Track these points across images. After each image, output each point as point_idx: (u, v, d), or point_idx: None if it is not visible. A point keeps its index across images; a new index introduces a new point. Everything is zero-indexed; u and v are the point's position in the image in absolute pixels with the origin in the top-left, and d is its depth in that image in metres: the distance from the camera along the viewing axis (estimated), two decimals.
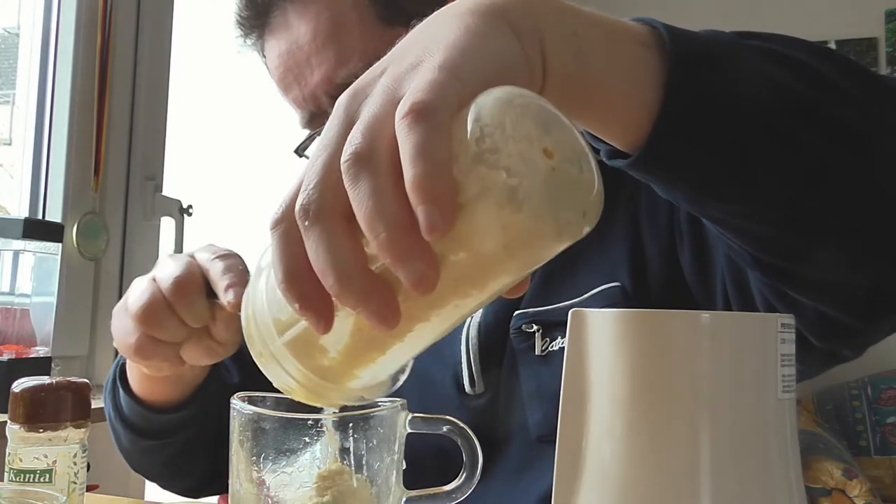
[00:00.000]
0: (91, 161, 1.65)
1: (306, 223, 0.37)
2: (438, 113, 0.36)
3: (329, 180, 0.37)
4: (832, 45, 3.06)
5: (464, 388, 0.84)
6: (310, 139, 0.89)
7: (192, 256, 0.71)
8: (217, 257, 0.68)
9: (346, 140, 0.38)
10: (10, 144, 1.80)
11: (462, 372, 0.84)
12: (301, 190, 0.38)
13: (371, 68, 0.43)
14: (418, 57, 0.40)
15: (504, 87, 0.38)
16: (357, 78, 0.72)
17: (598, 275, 0.82)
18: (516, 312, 0.84)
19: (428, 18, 0.45)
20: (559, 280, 0.85)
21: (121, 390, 0.84)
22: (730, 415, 0.44)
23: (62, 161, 1.62)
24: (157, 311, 0.67)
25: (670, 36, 0.48)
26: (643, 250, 0.82)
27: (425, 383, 0.89)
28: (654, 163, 0.49)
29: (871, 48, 3.03)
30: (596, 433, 0.47)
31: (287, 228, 0.38)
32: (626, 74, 0.47)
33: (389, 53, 0.44)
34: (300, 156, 0.93)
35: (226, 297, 0.64)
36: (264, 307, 0.42)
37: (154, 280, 0.69)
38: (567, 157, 0.37)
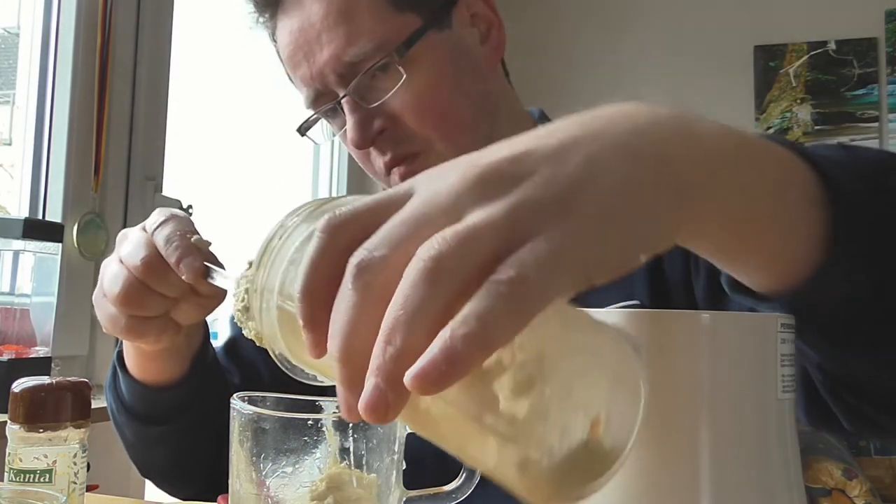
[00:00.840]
0: (91, 161, 1.65)
1: (354, 274, 0.33)
2: (533, 309, 0.31)
3: (398, 252, 0.33)
4: (832, 45, 3.06)
5: None
6: (313, 119, 0.90)
7: (144, 229, 0.71)
8: (158, 226, 0.69)
9: (447, 222, 0.33)
10: (10, 144, 1.80)
11: None
12: (375, 235, 0.34)
13: (521, 147, 0.37)
14: (574, 194, 0.34)
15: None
16: (364, 58, 0.77)
17: (616, 291, 0.84)
18: None
19: (601, 117, 0.41)
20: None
21: (121, 376, 0.84)
22: (730, 415, 0.44)
23: (62, 161, 1.62)
24: (134, 293, 0.69)
25: (835, 193, 0.45)
26: (663, 273, 0.84)
27: None
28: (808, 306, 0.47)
29: (871, 48, 3.02)
30: None
31: (334, 251, 0.34)
32: (789, 231, 0.45)
33: (547, 132, 0.39)
34: (302, 135, 0.94)
35: (181, 274, 0.66)
36: (275, 282, 0.40)
37: (122, 262, 0.70)
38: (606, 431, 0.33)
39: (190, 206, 1.85)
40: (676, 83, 3.16)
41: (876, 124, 3.01)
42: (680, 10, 3.20)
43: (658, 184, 0.37)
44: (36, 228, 1.35)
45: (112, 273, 0.71)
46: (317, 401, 0.59)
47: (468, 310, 0.30)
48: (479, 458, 0.34)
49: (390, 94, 0.83)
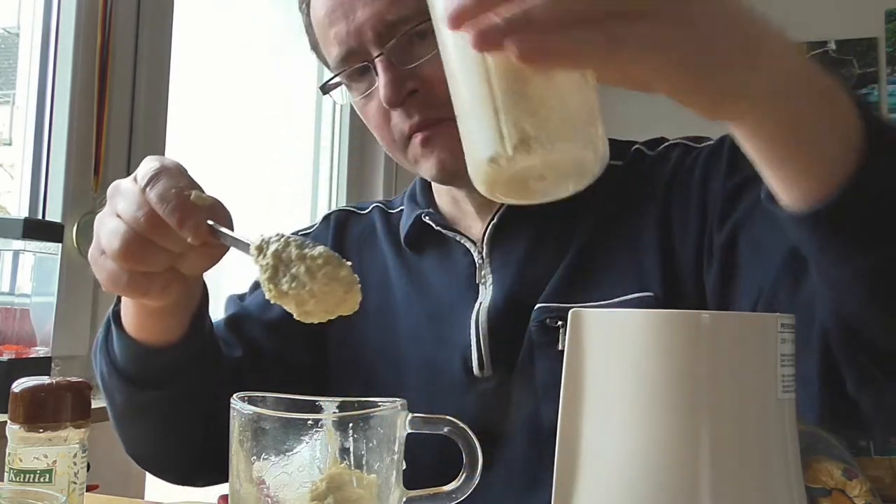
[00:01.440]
0: (91, 161, 1.65)
1: None
2: (612, 60, 0.45)
3: None
4: (832, 45, 3.06)
5: (472, 371, 0.88)
6: (342, 74, 0.90)
7: (134, 180, 0.68)
8: (149, 182, 0.66)
9: None
10: (10, 144, 1.80)
11: (471, 354, 0.88)
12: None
13: None
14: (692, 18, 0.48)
15: None
16: (406, 19, 0.81)
17: (630, 281, 0.86)
18: (538, 305, 0.86)
19: None
20: (585, 279, 0.87)
21: (115, 336, 0.82)
22: (730, 415, 0.44)
23: (62, 161, 1.62)
24: (135, 248, 0.66)
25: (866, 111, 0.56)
26: (676, 264, 0.86)
27: (433, 367, 0.90)
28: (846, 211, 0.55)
29: (871, 48, 3.03)
30: (596, 432, 0.47)
31: None
32: (834, 132, 0.55)
33: None
34: (325, 93, 0.94)
35: (185, 237, 0.63)
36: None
37: (119, 217, 0.67)
38: None
39: None
40: None
41: None
42: None
43: (748, 49, 0.52)
44: (36, 228, 1.35)
45: (110, 229, 0.68)
46: (317, 401, 0.59)
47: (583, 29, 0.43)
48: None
49: (427, 58, 0.84)
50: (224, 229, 0.63)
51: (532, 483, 0.83)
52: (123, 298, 0.80)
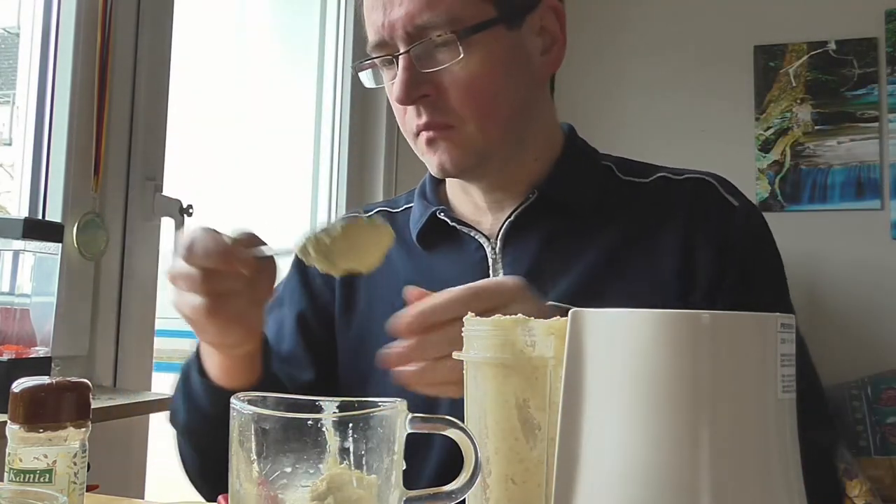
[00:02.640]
0: (91, 161, 1.65)
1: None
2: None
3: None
4: (832, 46, 3.06)
5: None
6: (368, 63, 0.96)
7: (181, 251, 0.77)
8: (191, 256, 0.75)
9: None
10: (10, 144, 1.80)
11: None
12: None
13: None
14: None
15: None
16: (434, 26, 0.88)
17: (642, 299, 0.87)
18: (549, 303, 0.87)
19: None
20: (600, 289, 0.90)
21: (197, 381, 0.89)
22: (730, 415, 0.44)
23: (62, 161, 1.61)
24: (213, 304, 0.76)
25: None
26: (694, 277, 0.92)
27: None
28: None
29: (871, 48, 3.03)
30: (596, 432, 0.47)
31: None
32: None
33: None
34: (356, 73, 1.00)
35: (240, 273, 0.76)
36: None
37: (186, 292, 0.77)
38: None
39: (190, 206, 1.85)
40: (676, 83, 3.16)
41: (876, 124, 3.01)
42: (680, 10, 3.20)
43: None
44: (36, 228, 1.35)
45: (187, 304, 0.77)
46: (317, 401, 0.59)
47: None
48: None
49: (444, 66, 0.89)
50: (264, 250, 0.75)
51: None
52: (203, 350, 0.89)
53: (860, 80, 3.03)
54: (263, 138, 2.53)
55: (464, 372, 0.61)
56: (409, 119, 0.94)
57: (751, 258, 0.94)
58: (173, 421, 0.97)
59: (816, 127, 3.07)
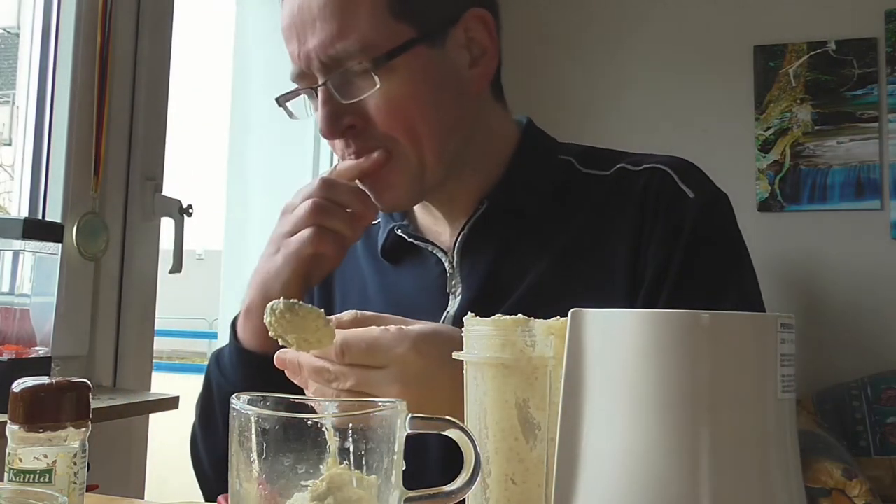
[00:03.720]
0: (91, 161, 1.65)
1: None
2: None
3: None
4: (832, 46, 3.06)
5: None
6: (293, 92, 0.95)
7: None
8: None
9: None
10: (10, 144, 1.80)
11: None
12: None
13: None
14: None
15: None
16: (348, 56, 0.87)
17: (593, 300, 0.85)
18: (497, 315, 0.87)
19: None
20: (552, 293, 0.88)
21: (234, 351, 0.92)
22: (730, 415, 0.44)
23: (62, 161, 1.62)
24: (323, 205, 0.86)
25: None
26: (642, 275, 0.88)
27: None
28: None
29: (871, 48, 3.03)
30: (595, 432, 0.47)
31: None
32: None
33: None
34: (280, 105, 0.97)
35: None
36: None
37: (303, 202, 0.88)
38: None
39: (190, 206, 1.85)
40: (676, 83, 3.16)
41: (876, 124, 3.01)
42: (680, 10, 3.20)
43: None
44: (36, 228, 1.35)
45: (294, 206, 0.88)
46: (317, 401, 0.59)
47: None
48: None
49: (365, 95, 0.86)
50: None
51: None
52: (246, 315, 0.93)
53: (860, 80, 3.03)
54: (263, 137, 2.53)
55: (464, 373, 0.61)
56: (339, 149, 0.92)
57: (697, 251, 0.88)
58: (198, 413, 0.99)
59: (816, 127, 3.07)
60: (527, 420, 0.57)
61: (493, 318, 0.60)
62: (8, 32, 1.80)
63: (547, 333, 0.57)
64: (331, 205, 0.87)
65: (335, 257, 0.89)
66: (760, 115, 3.11)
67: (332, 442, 0.54)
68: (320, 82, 0.87)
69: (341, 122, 0.87)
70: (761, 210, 2.98)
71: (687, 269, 0.86)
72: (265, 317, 0.68)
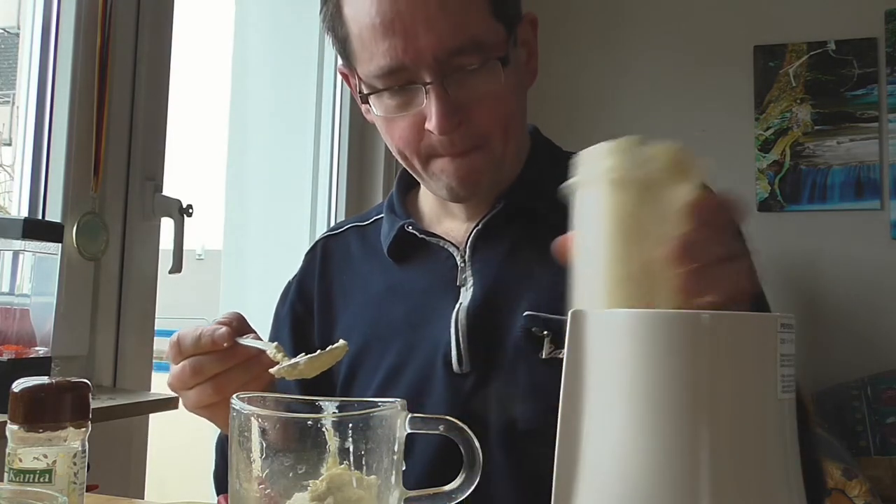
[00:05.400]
0: (91, 161, 1.65)
1: None
2: None
3: None
4: (832, 46, 3.06)
5: (452, 367, 0.91)
6: (382, 89, 0.91)
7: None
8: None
9: None
10: (9, 144, 1.80)
11: (451, 351, 0.92)
12: None
13: None
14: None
15: None
16: (466, 52, 0.87)
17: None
18: (526, 313, 0.89)
19: None
20: (562, 288, 0.88)
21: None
22: (730, 415, 0.44)
23: (62, 161, 1.61)
24: (189, 373, 0.79)
25: None
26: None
27: (414, 366, 0.92)
28: None
29: (871, 48, 3.02)
30: (595, 432, 0.47)
31: None
32: None
33: None
34: (363, 103, 0.95)
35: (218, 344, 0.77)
36: None
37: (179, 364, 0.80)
38: None
39: (190, 206, 1.85)
40: (676, 83, 3.16)
41: (875, 124, 3.01)
42: (680, 10, 3.20)
43: None
44: (36, 228, 1.35)
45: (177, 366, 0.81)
46: (316, 401, 0.59)
47: None
48: None
49: (476, 91, 0.89)
50: (245, 340, 0.77)
51: (502, 479, 0.85)
52: None
53: (860, 81, 3.03)
54: (264, 138, 2.52)
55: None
56: (433, 145, 0.91)
57: None
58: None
59: (816, 127, 3.07)
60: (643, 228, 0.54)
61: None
62: (8, 32, 1.80)
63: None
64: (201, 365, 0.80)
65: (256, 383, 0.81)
66: (760, 115, 3.11)
67: (332, 442, 0.54)
68: (429, 79, 0.87)
69: (455, 119, 0.89)
70: (761, 210, 2.98)
71: None
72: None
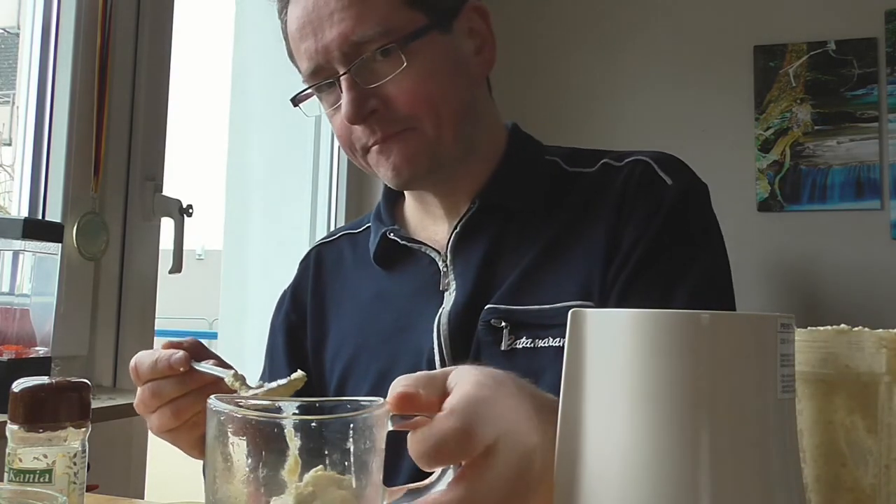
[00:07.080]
0: (91, 161, 1.65)
1: None
2: None
3: None
4: (832, 46, 3.06)
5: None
6: (307, 92, 0.98)
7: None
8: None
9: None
10: (9, 144, 1.81)
11: (434, 357, 0.92)
12: None
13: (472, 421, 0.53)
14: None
15: None
16: (370, 40, 0.87)
17: (575, 287, 0.91)
18: (487, 306, 0.90)
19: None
20: (537, 282, 0.90)
21: None
22: (730, 415, 0.44)
23: (62, 161, 1.62)
24: (149, 397, 0.79)
25: None
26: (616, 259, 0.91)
27: (401, 371, 0.92)
28: None
29: (871, 48, 3.02)
30: (595, 433, 0.47)
31: None
32: None
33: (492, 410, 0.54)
34: (295, 105, 1.00)
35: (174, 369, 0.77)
36: None
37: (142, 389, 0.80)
38: None
39: (190, 206, 1.85)
40: (676, 84, 3.16)
41: (876, 124, 3.01)
42: (680, 10, 3.20)
43: None
44: (36, 228, 1.35)
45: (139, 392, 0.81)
46: (296, 401, 0.58)
47: None
48: None
49: (388, 78, 0.90)
50: (202, 365, 0.78)
51: None
52: None
53: (860, 81, 3.03)
54: (264, 138, 2.52)
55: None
56: (360, 138, 0.94)
57: (668, 231, 0.91)
58: None
59: (816, 127, 3.07)
60: (856, 443, 0.52)
61: (808, 329, 0.54)
62: (8, 32, 1.80)
63: (878, 346, 0.51)
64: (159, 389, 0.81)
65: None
66: (760, 115, 3.11)
67: (313, 443, 0.53)
68: (341, 72, 0.91)
69: (366, 107, 0.91)
70: (761, 210, 2.98)
71: (656, 246, 0.90)
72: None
